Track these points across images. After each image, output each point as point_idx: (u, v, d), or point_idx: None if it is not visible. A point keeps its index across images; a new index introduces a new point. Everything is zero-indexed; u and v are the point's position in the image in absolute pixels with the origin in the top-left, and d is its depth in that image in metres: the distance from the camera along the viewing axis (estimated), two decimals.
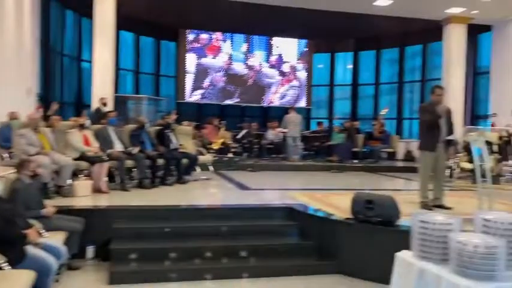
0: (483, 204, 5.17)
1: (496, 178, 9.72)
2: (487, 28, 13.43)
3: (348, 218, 5.01)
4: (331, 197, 6.73)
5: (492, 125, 12.78)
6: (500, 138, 10.14)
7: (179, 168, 7.82)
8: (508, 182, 9.88)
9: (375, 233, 4.73)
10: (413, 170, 12.32)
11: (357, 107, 17.69)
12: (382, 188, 8.89)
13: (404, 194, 8.07)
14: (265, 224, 5.57)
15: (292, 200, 6.34)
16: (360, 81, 17.73)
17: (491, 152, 9.89)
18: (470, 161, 9.77)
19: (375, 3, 11.43)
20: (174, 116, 9.88)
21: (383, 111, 13.89)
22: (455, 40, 12.63)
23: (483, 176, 5.25)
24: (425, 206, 5.89)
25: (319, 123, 14.19)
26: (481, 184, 5.17)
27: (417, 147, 6.09)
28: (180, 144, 8.31)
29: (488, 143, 9.83)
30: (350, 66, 17.96)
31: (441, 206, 5.94)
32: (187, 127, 10.06)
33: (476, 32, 13.65)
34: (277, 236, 5.42)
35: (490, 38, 13.56)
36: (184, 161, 7.91)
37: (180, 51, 16.95)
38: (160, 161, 7.43)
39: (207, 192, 7.91)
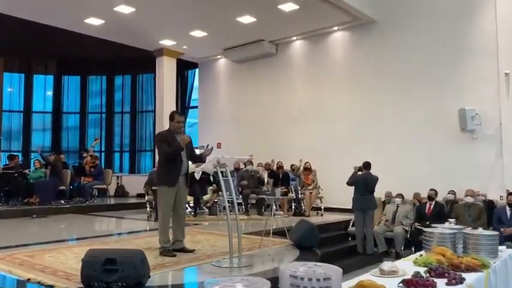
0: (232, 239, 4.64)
1: (213, 208, 9.88)
2: (195, 65, 14.10)
3: None
4: (41, 255, 4.92)
5: None
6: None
7: None
8: (222, 211, 10.16)
9: None
10: (128, 207, 11.50)
11: (60, 139, 15.44)
12: (103, 234, 7.50)
13: (133, 237, 6.99)
14: None
15: None
16: (64, 110, 15.62)
17: (209, 184, 10.04)
18: (190, 193, 9.61)
19: (86, 21, 10.07)
20: None
21: (93, 143, 12.46)
22: (167, 73, 12.61)
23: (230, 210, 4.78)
24: (167, 252, 4.95)
25: (11, 157, 11.34)
26: (229, 216, 4.64)
27: (156, 181, 5.13)
28: None
29: (206, 174, 9.97)
30: (49, 93, 15.63)
31: (183, 250, 5.14)
32: None
33: (185, 67, 14.14)
34: None
35: (197, 74, 14.30)
36: None
37: None
38: None
39: None
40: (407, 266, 3.05)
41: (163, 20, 10.26)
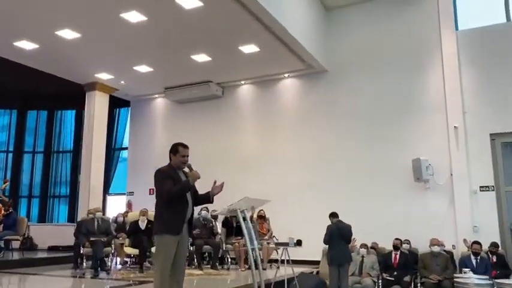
0: None
1: None
2: (125, 103, 13.02)
3: None
4: None
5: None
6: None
7: None
8: None
9: None
10: (43, 262, 9.67)
11: None
12: None
13: None
14: None
15: None
16: None
17: None
18: (136, 245, 8.35)
19: (16, 43, 8.69)
20: None
21: (2, 186, 10.61)
22: (99, 109, 11.34)
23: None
24: None
25: None
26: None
27: (155, 229, 4.19)
28: None
29: (152, 223, 8.81)
30: None
31: None
32: None
33: (114, 105, 12.97)
34: None
35: (128, 114, 13.19)
36: None
37: None
38: None
39: None
40: None
41: (108, 50, 9.31)
